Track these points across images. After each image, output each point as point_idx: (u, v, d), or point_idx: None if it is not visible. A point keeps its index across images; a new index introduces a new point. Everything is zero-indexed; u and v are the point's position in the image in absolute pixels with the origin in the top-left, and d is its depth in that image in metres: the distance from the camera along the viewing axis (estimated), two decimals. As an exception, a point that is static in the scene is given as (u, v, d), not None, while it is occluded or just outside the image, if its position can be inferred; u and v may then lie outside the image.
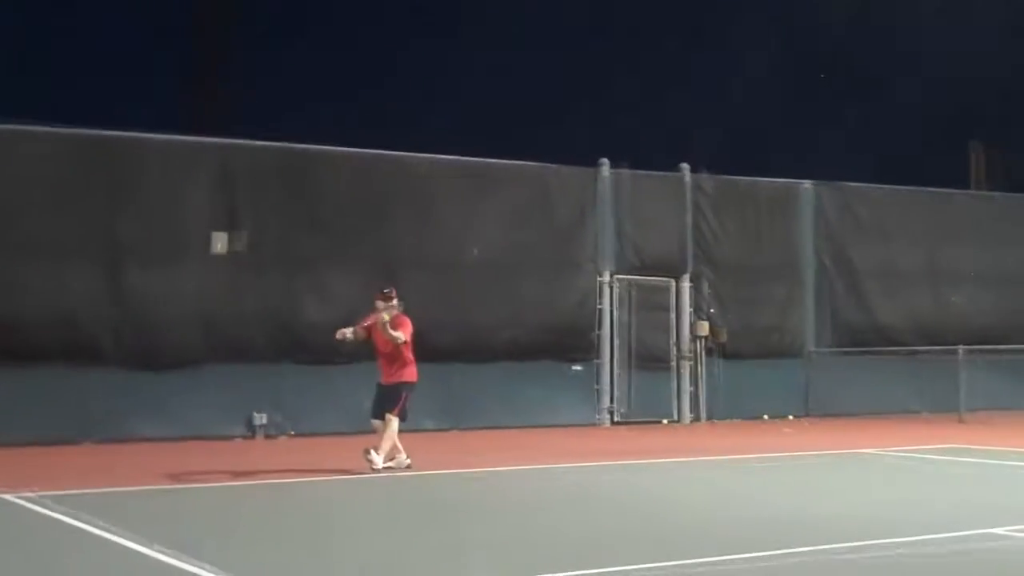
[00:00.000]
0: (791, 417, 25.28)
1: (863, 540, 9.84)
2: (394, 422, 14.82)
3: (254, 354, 20.78)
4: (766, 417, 25.04)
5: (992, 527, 10.38)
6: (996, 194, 30.41)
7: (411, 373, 15.12)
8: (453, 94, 31.84)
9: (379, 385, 15.22)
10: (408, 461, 15.20)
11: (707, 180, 25.16)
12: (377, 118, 29.05)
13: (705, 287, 24.90)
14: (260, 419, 20.50)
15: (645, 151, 25.98)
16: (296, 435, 20.69)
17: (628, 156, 24.72)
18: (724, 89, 33.53)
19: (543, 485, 14.41)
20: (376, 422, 15.11)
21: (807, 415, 25.59)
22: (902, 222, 27.25)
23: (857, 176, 27.47)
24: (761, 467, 16.48)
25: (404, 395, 14.91)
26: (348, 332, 15.16)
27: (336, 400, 20.46)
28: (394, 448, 15.04)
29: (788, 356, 25.81)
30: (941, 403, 25.52)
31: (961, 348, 24.52)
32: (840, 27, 33.88)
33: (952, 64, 33.97)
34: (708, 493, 13.62)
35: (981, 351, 25.32)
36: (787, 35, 33.88)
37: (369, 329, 15.21)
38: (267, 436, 20.57)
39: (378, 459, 14.70)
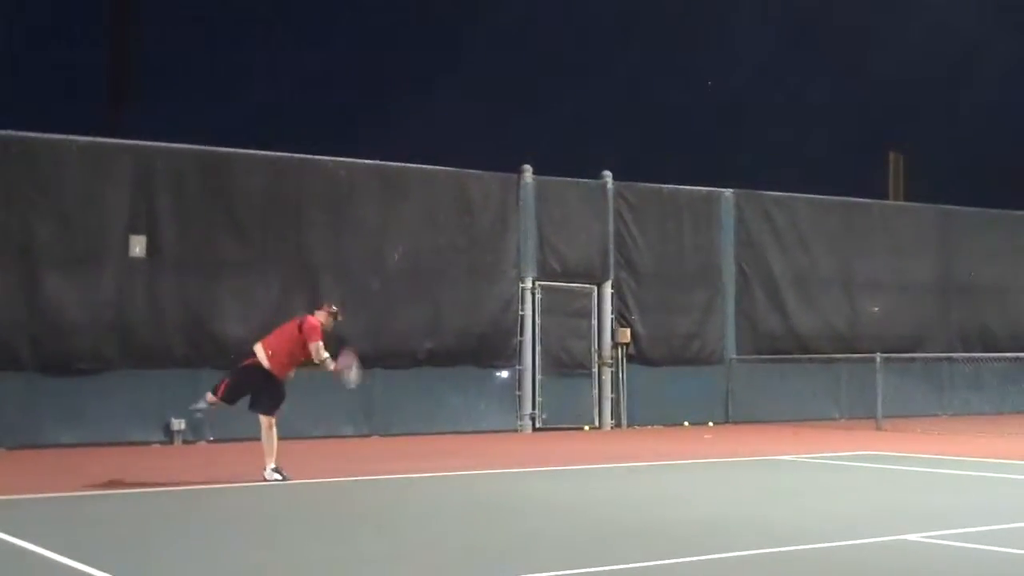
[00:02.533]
0: (711, 423, 25.45)
1: (776, 547, 9.89)
2: (271, 429, 14.49)
3: (172, 359, 20.57)
4: (687, 423, 25.19)
5: (906, 533, 10.48)
6: (911, 204, 30.83)
7: (283, 371, 14.62)
8: (377, 98, 31.70)
9: (253, 367, 14.65)
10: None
11: (628, 187, 25.24)
12: (295, 121, 28.84)
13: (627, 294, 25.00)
14: (178, 425, 20.27)
15: (566, 157, 26.05)
16: (214, 441, 20.49)
17: (550, 162, 24.77)
18: (646, 95, 33.71)
19: (458, 493, 14.35)
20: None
21: (727, 421, 25.79)
22: (820, 231, 27.57)
23: (776, 185, 27.72)
24: (677, 473, 16.56)
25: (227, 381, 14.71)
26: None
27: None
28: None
29: (709, 363, 25.98)
30: (859, 410, 25.86)
31: (878, 356, 24.81)
32: (762, 34, 34.22)
33: (870, 73, 34.45)
34: (622, 498, 13.63)
35: (898, 359, 25.66)
36: (708, 44, 34.15)
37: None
38: (185, 442, 20.36)
39: (273, 474, 14.45)
